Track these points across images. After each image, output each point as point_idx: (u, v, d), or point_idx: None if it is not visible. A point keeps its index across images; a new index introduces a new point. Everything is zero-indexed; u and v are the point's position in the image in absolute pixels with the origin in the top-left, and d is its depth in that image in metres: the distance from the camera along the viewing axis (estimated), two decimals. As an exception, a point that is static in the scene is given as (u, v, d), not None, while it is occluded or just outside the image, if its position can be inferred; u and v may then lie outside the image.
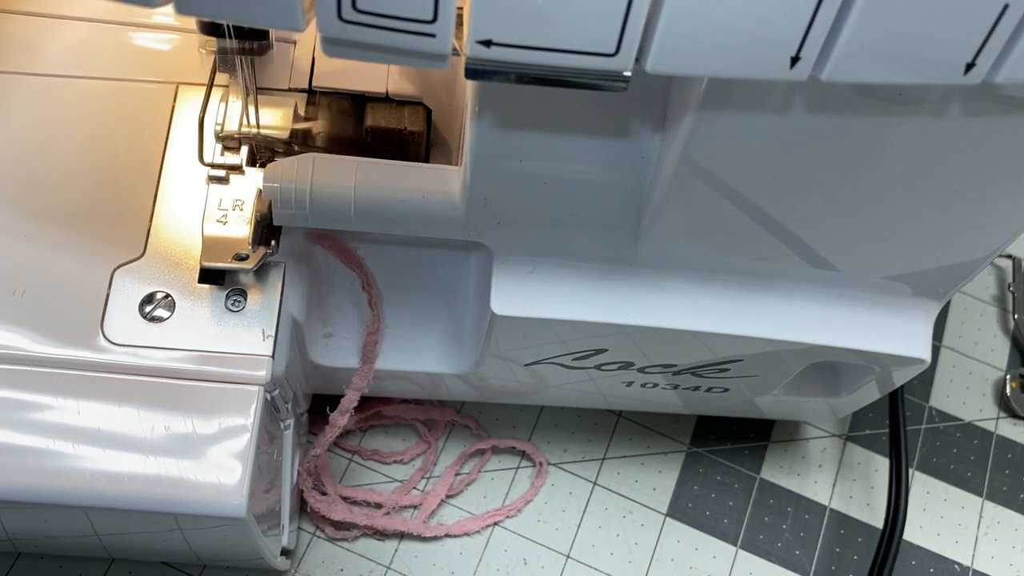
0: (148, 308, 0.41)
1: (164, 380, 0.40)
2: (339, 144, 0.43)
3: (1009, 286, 0.64)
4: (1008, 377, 0.61)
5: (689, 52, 0.27)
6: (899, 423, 0.55)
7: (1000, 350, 0.63)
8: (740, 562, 0.55)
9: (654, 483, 0.57)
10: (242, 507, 0.37)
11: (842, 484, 0.58)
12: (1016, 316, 0.63)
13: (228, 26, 0.37)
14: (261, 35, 0.37)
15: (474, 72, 0.29)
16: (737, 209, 0.38)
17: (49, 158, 0.40)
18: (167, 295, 0.41)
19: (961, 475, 0.59)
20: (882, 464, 0.59)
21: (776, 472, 0.58)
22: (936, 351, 0.61)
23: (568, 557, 0.54)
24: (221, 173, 0.41)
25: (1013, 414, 0.61)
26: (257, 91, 0.40)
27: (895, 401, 0.55)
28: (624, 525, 0.55)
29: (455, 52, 0.28)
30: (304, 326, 0.43)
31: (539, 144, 0.36)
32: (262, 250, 0.40)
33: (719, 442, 0.58)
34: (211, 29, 0.37)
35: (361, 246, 0.44)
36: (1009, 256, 0.64)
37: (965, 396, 0.61)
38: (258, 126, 0.40)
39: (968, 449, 0.60)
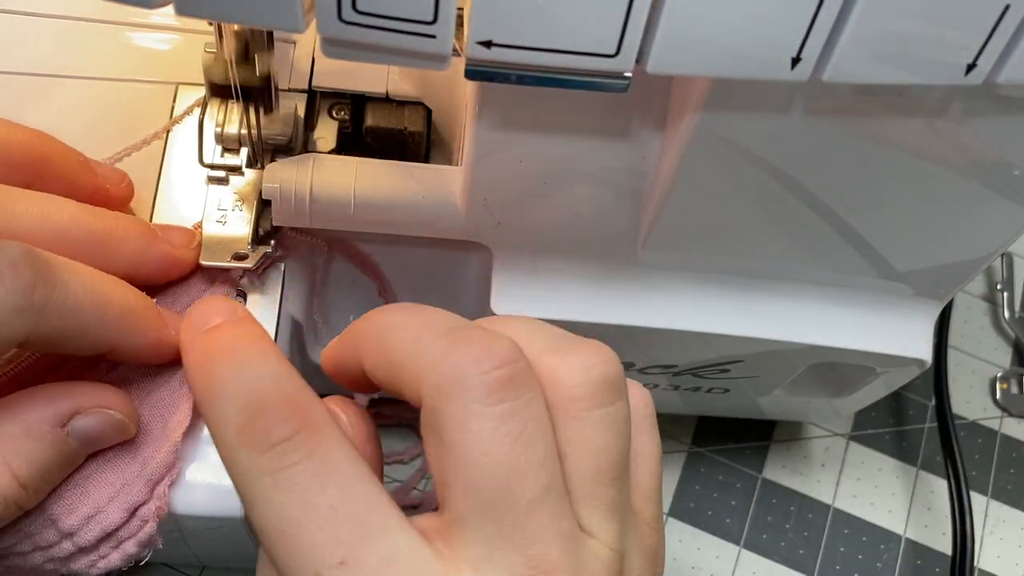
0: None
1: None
2: (339, 147, 0.43)
3: (998, 285, 0.63)
4: (998, 379, 0.61)
5: (690, 53, 0.27)
6: (953, 447, 0.55)
7: (1004, 349, 0.63)
8: (743, 561, 0.55)
9: (656, 483, 0.57)
10: (240, 508, 0.37)
11: (845, 483, 0.58)
12: (1007, 315, 0.62)
13: (235, 89, 0.38)
14: (267, 102, 0.39)
15: (474, 73, 0.28)
16: (737, 210, 0.38)
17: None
18: (167, 296, 0.41)
19: (966, 474, 0.58)
20: (884, 463, 0.59)
21: (778, 471, 0.58)
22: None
23: (570, 557, 0.54)
24: (221, 174, 0.40)
25: (1011, 414, 0.61)
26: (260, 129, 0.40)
27: (945, 425, 0.56)
28: (626, 525, 0.55)
29: (455, 53, 0.28)
30: (304, 326, 0.43)
31: (539, 144, 0.36)
32: (262, 249, 0.40)
33: (721, 441, 0.58)
34: (219, 91, 0.39)
35: (361, 247, 0.44)
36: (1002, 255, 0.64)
37: (969, 395, 0.61)
38: (259, 135, 0.40)
39: (972, 448, 0.60)
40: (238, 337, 0.32)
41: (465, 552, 0.28)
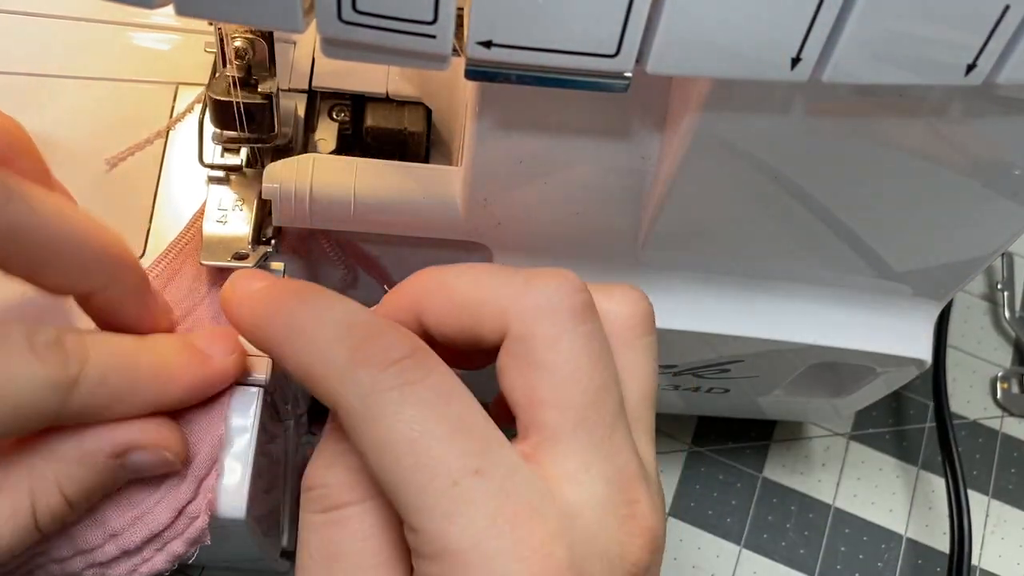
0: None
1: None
2: (339, 148, 0.43)
3: (998, 284, 0.63)
4: (999, 378, 0.61)
5: (690, 53, 0.27)
6: (951, 446, 0.55)
7: (1004, 348, 0.63)
8: (744, 561, 0.55)
9: (656, 482, 0.57)
10: (241, 508, 0.37)
11: (846, 483, 0.58)
12: (1007, 315, 0.63)
13: (234, 86, 0.38)
14: (269, 123, 0.39)
15: (474, 73, 0.28)
16: (737, 210, 0.38)
17: (48, 158, 0.39)
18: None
19: (967, 474, 0.58)
20: (885, 462, 0.59)
21: (779, 471, 0.58)
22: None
23: (570, 556, 0.54)
24: (221, 174, 0.40)
25: (1011, 413, 0.61)
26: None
27: (943, 425, 0.56)
28: (626, 524, 0.55)
29: (455, 53, 0.28)
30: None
31: (539, 144, 0.36)
32: (262, 249, 0.40)
33: (721, 441, 0.58)
34: (224, 122, 0.39)
35: (367, 248, 0.44)
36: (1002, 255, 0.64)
37: (969, 395, 0.61)
38: (257, 138, 0.40)
39: (973, 448, 0.60)
40: (303, 287, 0.32)
41: (564, 465, 0.29)
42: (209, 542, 0.36)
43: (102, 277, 0.34)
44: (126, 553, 0.35)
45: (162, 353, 0.35)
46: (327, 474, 0.31)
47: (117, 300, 0.35)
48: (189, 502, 0.36)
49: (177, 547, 0.36)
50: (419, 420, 0.28)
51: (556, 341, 0.29)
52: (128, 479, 0.35)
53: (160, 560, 0.36)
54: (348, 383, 0.29)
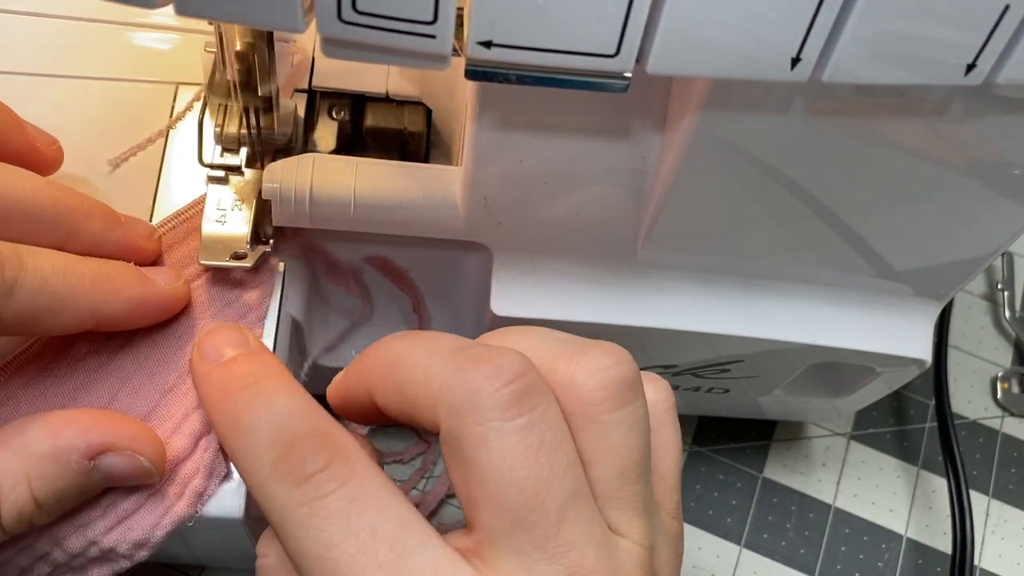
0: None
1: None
2: (339, 147, 0.43)
3: (998, 284, 0.63)
4: (999, 378, 0.61)
5: (690, 53, 0.27)
6: (952, 446, 0.55)
7: (1004, 348, 0.63)
8: (744, 561, 0.55)
9: (657, 482, 0.57)
10: (240, 508, 0.37)
11: (846, 483, 0.58)
12: (1007, 314, 0.63)
13: (234, 89, 0.38)
14: (267, 110, 0.39)
15: (474, 73, 0.28)
16: (737, 209, 0.38)
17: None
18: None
19: (967, 473, 0.58)
20: (885, 462, 0.59)
21: (779, 471, 0.58)
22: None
23: (570, 556, 0.54)
24: (220, 174, 0.40)
25: (1012, 413, 0.61)
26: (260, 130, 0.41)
27: (944, 424, 0.56)
28: (627, 524, 0.55)
29: (455, 53, 0.28)
30: (304, 327, 0.43)
31: (539, 144, 0.36)
32: (260, 248, 0.40)
33: (721, 441, 0.58)
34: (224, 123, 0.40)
35: (360, 247, 0.44)
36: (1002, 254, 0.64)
37: (970, 394, 0.61)
38: (259, 131, 0.40)
39: (974, 447, 0.60)
40: (258, 371, 0.33)
41: (503, 567, 0.28)
42: (226, 472, 0.37)
43: (61, 230, 0.35)
44: (151, 498, 0.36)
45: (105, 268, 0.35)
46: (267, 546, 0.32)
47: (91, 243, 0.36)
48: (203, 435, 0.36)
49: (199, 482, 0.36)
50: (326, 534, 0.28)
51: (484, 440, 0.28)
52: (101, 487, 0.34)
53: (183, 506, 0.36)
54: (266, 496, 0.29)
